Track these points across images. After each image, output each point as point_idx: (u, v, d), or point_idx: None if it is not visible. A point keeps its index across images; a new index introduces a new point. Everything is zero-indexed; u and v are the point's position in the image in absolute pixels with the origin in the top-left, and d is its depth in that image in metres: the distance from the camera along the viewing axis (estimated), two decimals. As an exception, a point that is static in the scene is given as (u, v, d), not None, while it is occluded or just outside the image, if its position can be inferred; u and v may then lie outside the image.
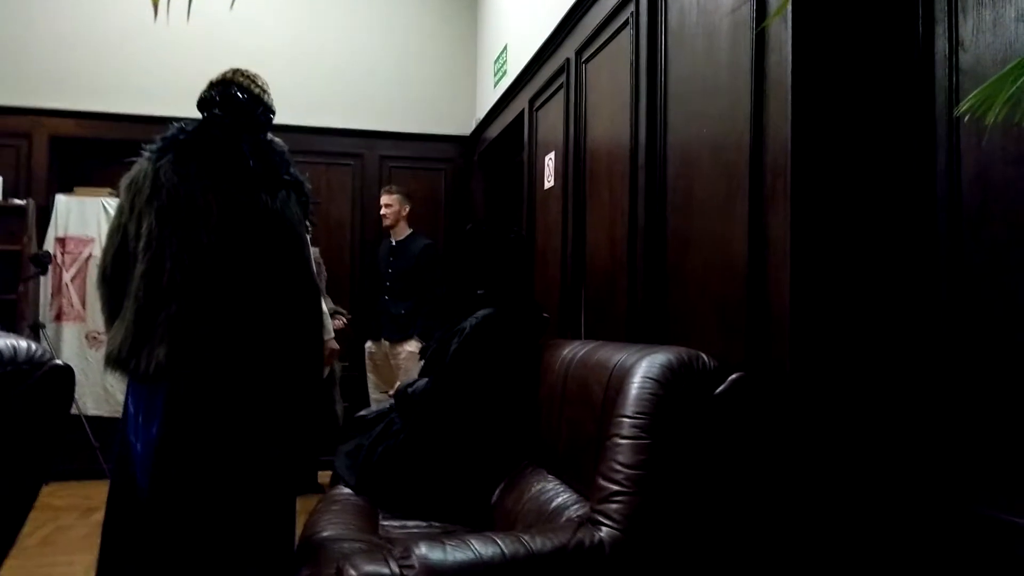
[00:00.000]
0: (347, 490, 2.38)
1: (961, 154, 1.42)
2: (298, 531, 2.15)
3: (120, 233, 1.88)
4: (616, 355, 1.81)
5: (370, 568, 1.34)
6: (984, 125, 1.35)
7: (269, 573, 1.83)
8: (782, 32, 1.62)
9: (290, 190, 1.95)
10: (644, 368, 1.64)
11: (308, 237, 2.01)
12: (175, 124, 1.93)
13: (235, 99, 2.01)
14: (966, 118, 0.88)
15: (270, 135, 2.07)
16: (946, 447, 1.45)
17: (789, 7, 1.58)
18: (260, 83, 2.09)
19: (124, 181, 1.90)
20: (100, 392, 4.45)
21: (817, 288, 1.58)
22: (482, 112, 4.80)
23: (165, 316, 1.76)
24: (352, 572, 1.34)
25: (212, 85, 2.05)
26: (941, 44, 1.48)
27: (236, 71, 2.08)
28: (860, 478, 1.56)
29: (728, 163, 1.84)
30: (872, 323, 1.58)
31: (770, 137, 1.67)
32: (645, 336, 2.19)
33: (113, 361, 1.82)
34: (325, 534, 1.95)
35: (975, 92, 0.73)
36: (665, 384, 1.59)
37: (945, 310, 1.46)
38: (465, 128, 5.11)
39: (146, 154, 1.89)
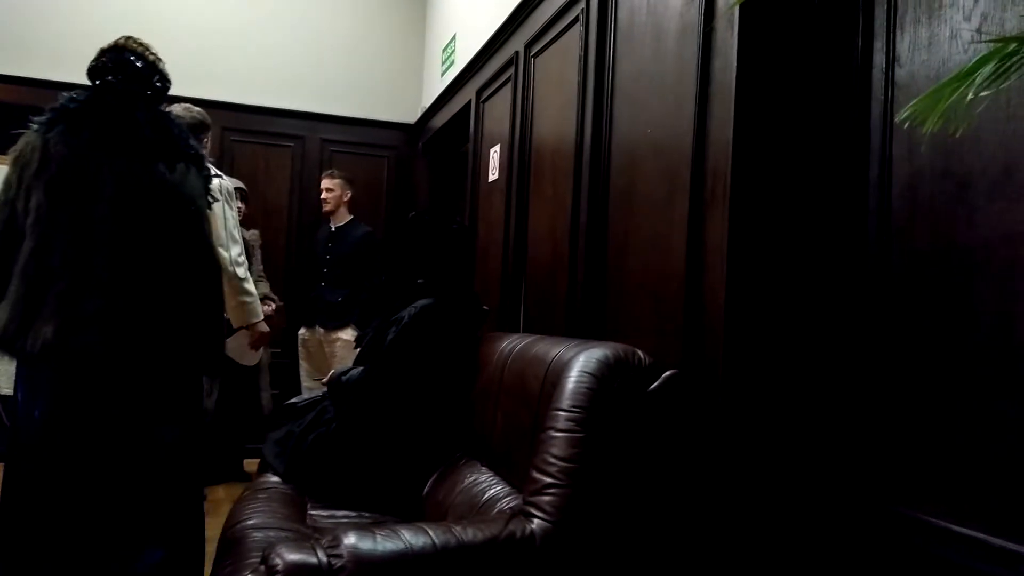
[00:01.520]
0: (275, 478, 2.33)
1: (893, 166, 1.48)
2: (223, 519, 2.10)
3: (7, 209, 1.78)
4: (554, 349, 1.82)
5: (296, 557, 1.32)
6: (916, 140, 1.41)
7: (172, 559, 1.79)
8: (728, 37, 1.65)
9: (189, 163, 1.89)
10: (581, 362, 1.65)
11: (212, 213, 1.98)
12: (64, 94, 1.84)
13: (130, 66, 1.92)
14: (905, 125, 0.91)
15: (175, 107, 2.01)
16: (869, 447, 1.50)
17: (736, 12, 1.61)
18: (154, 51, 2.00)
19: (11, 154, 1.81)
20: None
21: (752, 290, 1.61)
22: (428, 101, 4.75)
23: (54, 293, 1.69)
24: (277, 561, 1.31)
25: (103, 52, 1.94)
26: (879, 58, 1.53)
27: (128, 38, 1.99)
28: (786, 476, 1.60)
29: (671, 164, 1.86)
30: (803, 327, 1.63)
31: (712, 140, 1.70)
32: (584, 331, 2.21)
33: (0, 341, 1.73)
34: (250, 522, 1.90)
35: (914, 102, 0.76)
36: (601, 379, 1.60)
37: (871, 316, 1.51)
38: (411, 116, 5.05)
39: (34, 126, 1.80)
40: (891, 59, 1.50)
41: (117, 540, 1.73)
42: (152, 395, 1.78)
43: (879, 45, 1.53)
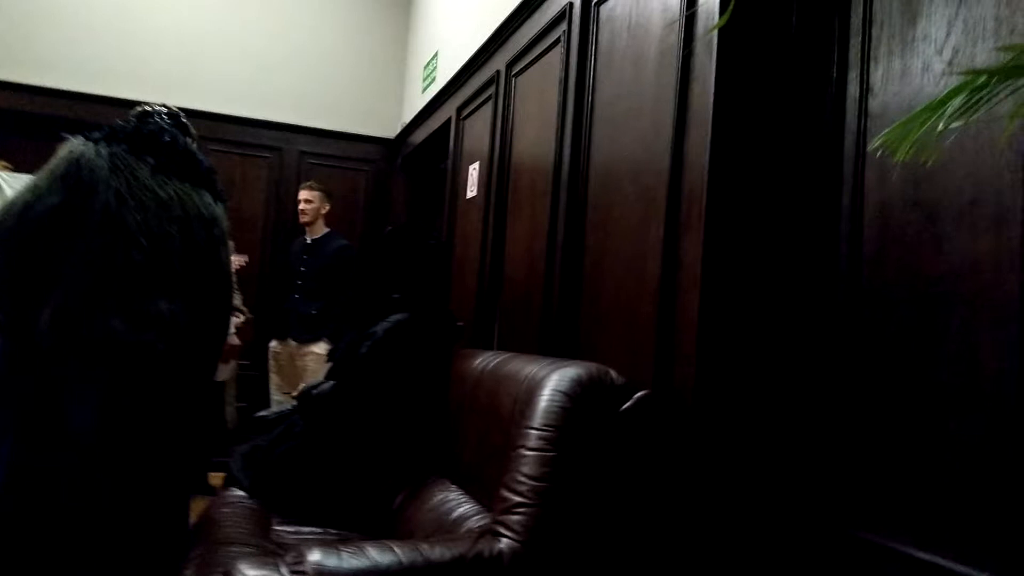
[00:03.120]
0: (240, 492, 2.29)
1: (865, 194, 1.50)
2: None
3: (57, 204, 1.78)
4: (528, 367, 1.81)
5: (257, 573, 1.29)
6: (887, 169, 1.43)
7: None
8: (707, 63, 1.67)
9: (216, 193, 2.03)
10: (554, 381, 1.64)
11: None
12: (118, 121, 1.97)
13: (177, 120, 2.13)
14: (878, 154, 0.93)
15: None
16: (833, 471, 1.51)
17: (715, 38, 1.64)
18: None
19: (57, 159, 1.84)
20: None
21: (724, 314, 1.63)
22: (409, 116, 4.76)
23: (121, 289, 1.75)
24: (240, 577, 1.28)
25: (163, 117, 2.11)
26: (853, 88, 1.56)
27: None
28: (752, 499, 1.61)
29: (647, 186, 1.88)
30: (773, 351, 1.64)
31: (689, 164, 1.72)
32: (558, 350, 2.20)
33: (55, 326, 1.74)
34: (214, 536, 1.86)
35: (886, 131, 0.77)
36: (574, 398, 1.60)
37: (840, 342, 1.53)
38: (390, 131, 5.05)
39: (83, 138, 1.86)
40: (865, 89, 1.53)
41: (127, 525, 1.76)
42: (185, 401, 1.88)
43: (853, 75, 1.56)
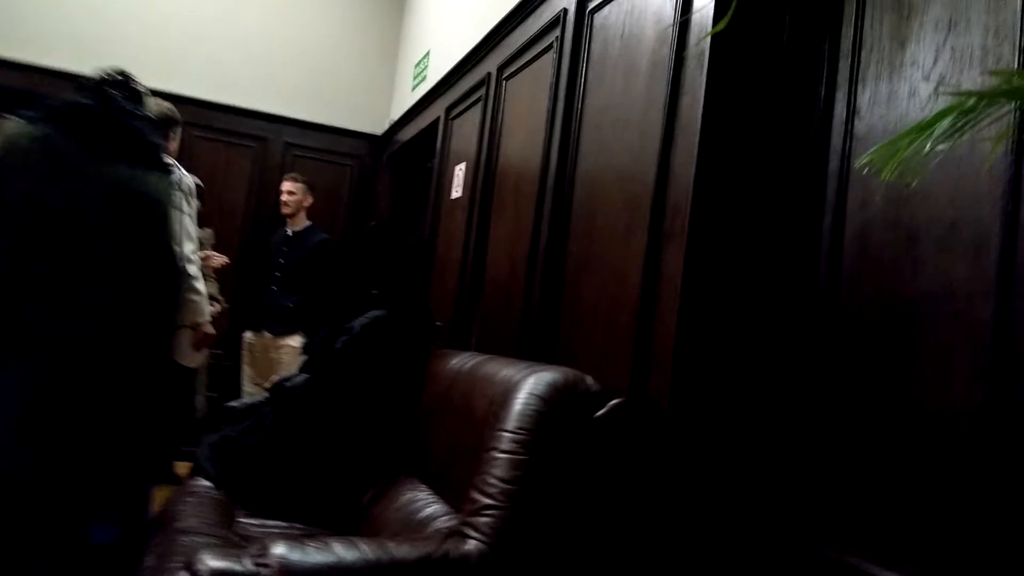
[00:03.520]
0: (206, 482, 2.26)
1: (847, 214, 1.52)
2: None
3: None
4: (504, 370, 1.81)
5: (220, 564, 1.27)
6: (870, 190, 1.45)
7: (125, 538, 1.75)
8: (698, 76, 1.68)
9: (160, 168, 1.98)
10: (530, 385, 1.64)
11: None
12: (61, 97, 1.91)
13: (127, 87, 2.04)
14: (865, 171, 0.94)
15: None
16: (803, 488, 1.52)
17: (706, 53, 1.65)
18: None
19: None
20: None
21: (703, 327, 1.63)
22: (397, 113, 4.74)
23: (38, 276, 1.70)
24: (200, 567, 1.26)
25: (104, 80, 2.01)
26: (840, 109, 1.57)
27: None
28: (720, 513, 1.61)
29: (632, 196, 1.88)
30: (749, 365, 1.65)
31: (675, 175, 1.72)
32: (535, 354, 2.20)
33: None
34: (176, 525, 1.83)
35: (873, 149, 0.78)
36: (549, 402, 1.60)
37: (816, 359, 1.54)
38: (378, 127, 5.03)
39: (19, 118, 1.81)
40: (851, 111, 1.55)
41: (71, 515, 1.71)
42: (116, 383, 1.81)
43: (841, 96, 1.58)
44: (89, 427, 1.73)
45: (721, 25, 1.38)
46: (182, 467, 3.75)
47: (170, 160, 2.06)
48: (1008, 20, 1.23)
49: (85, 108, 1.86)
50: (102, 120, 1.85)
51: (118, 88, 1.98)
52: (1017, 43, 1.21)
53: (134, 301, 1.78)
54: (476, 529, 1.46)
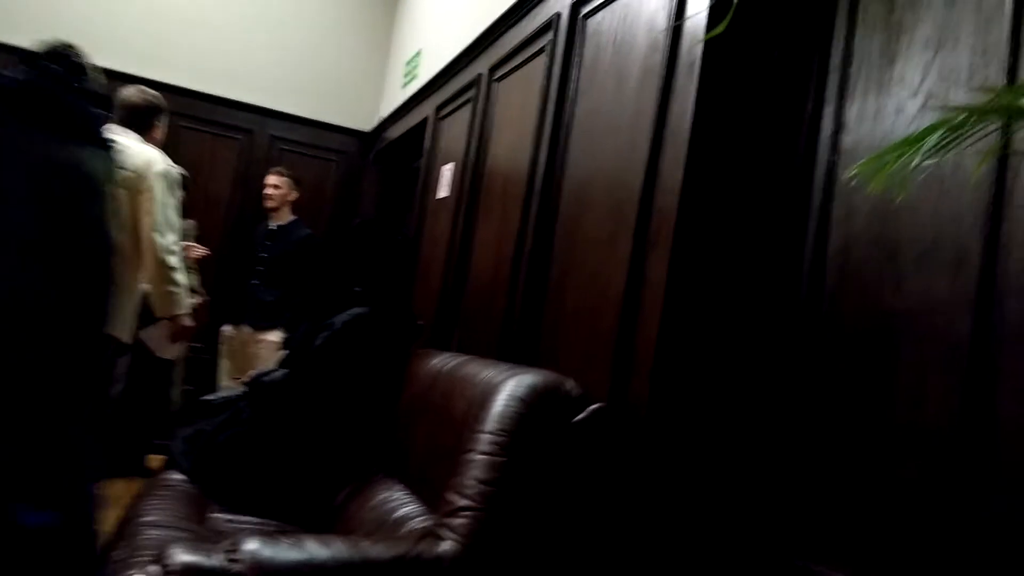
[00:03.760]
0: (180, 476, 2.23)
1: (830, 227, 1.53)
2: (121, 514, 2.00)
3: None
4: (485, 371, 1.80)
5: (191, 559, 1.25)
6: (854, 204, 1.46)
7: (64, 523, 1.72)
8: (688, 84, 1.69)
9: (99, 146, 1.93)
10: (511, 387, 1.63)
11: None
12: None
13: (68, 60, 2.00)
14: (851, 183, 0.94)
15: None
16: (780, 499, 1.53)
17: (697, 63, 1.65)
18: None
19: None
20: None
21: (684, 334, 1.64)
22: (386, 111, 4.72)
23: None
24: (170, 561, 1.24)
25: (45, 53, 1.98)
26: (827, 123, 1.59)
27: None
28: (696, 521, 1.62)
29: (619, 202, 1.88)
30: (729, 374, 1.65)
31: (662, 182, 1.73)
32: (517, 356, 2.19)
33: None
34: (147, 519, 1.81)
35: (861, 162, 0.79)
36: (529, 405, 1.59)
37: (795, 372, 1.55)
38: (366, 124, 5.01)
39: None
40: (839, 125, 1.56)
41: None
42: (42, 363, 1.75)
43: (829, 110, 1.59)
44: (12, 405, 1.69)
45: (719, 29, 1.38)
46: (156, 460, 3.71)
47: (121, 137, 2.00)
48: (996, 40, 1.25)
49: (19, 82, 1.81)
50: (36, 93, 1.80)
51: (59, 61, 1.93)
52: (1005, 63, 1.22)
53: (61, 280, 1.74)
54: (451, 530, 1.45)
